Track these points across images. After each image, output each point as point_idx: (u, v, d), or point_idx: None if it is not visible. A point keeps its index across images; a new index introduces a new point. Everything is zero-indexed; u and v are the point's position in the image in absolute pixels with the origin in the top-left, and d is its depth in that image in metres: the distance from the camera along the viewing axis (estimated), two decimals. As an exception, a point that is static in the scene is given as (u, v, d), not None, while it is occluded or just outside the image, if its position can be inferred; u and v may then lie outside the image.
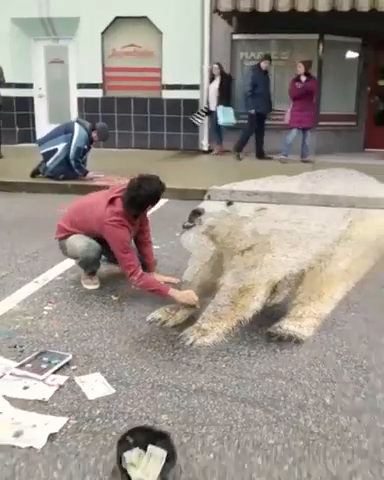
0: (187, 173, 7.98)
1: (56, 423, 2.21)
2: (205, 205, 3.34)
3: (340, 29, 9.43)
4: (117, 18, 10.09)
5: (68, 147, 6.90)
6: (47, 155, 7.06)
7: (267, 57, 9.44)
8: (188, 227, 3.30)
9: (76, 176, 7.16)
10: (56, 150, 6.96)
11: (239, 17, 9.53)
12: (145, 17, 10.02)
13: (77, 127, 6.90)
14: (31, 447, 2.06)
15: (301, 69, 9.10)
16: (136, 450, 1.92)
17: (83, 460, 2.00)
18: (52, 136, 7.06)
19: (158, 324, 3.20)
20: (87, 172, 7.20)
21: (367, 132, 11.13)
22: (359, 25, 9.04)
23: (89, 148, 7.13)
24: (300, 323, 3.15)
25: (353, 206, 4.06)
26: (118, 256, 3.38)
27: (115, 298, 3.57)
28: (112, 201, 3.45)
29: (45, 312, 3.31)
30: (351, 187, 4.28)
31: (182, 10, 9.76)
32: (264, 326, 3.12)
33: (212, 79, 9.85)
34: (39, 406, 2.33)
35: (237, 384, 2.55)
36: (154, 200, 3.42)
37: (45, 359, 2.69)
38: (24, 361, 2.67)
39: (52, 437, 2.12)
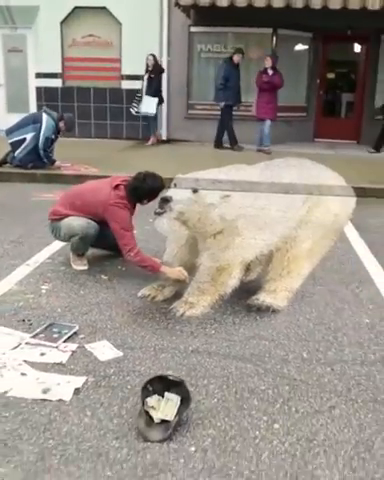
0: (151, 162, 8.26)
1: (77, 381, 2.55)
2: (173, 193, 3.53)
3: (293, 24, 9.92)
4: (76, 8, 10.21)
5: (36, 137, 7.08)
6: (15, 145, 7.21)
7: (239, 51, 9.72)
8: (160, 213, 3.50)
9: (44, 165, 7.36)
10: (24, 140, 7.12)
11: (197, 10, 9.85)
12: (104, 8, 10.18)
13: (45, 117, 7.09)
14: (60, 400, 2.40)
15: (268, 62, 9.52)
16: (155, 396, 2.30)
17: (107, 408, 2.36)
18: (20, 126, 7.20)
19: (148, 299, 3.57)
20: (55, 161, 7.41)
21: (316, 123, 11.76)
22: (310, 21, 9.58)
23: (56, 138, 7.33)
24: (275, 296, 3.58)
25: (310, 193, 4.37)
26: (119, 234, 3.72)
27: (105, 277, 3.90)
28: (117, 187, 3.83)
29: (43, 291, 3.62)
30: (306, 175, 4.61)
31: (141, 1, 9.97)
32: (243, 299, 3.53)
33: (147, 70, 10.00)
34: (58, 368, 2.67)
35: (227, 345, 2.96)
36: (153, 195, 3.80)
37: (55, 330, 3.02)
38: (36, 332, 2.99)
39: (77, 392, 2.46)
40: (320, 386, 2.58)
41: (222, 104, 9.67)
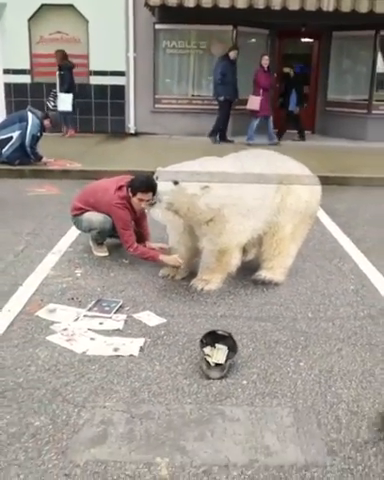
0: (130, 155, 8.91)
1: (138, 341, 3.22)
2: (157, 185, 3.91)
3: (252, 21, 10.67)
4: (43, 5, 10.60)
5: (23, 135, 7.55)
6: (2, 143, 7.65)
7: (235, 47, 10.37)
8: (151, 204, 4.02)
9: (30, 161, 7.83)
10: (11, 138, 7.58)
11: (162, 8, 10.43)
12: (71, 5, 10.62)
13: (30, 116, 7.56)
14: (131, 355, 3.06)
15: (267, 62, 10.27)
16: (208, 347, 3.01)
17: (170, 359, 3.05)
18: (6, 125, 7.66)
19: (169, 278, 4.25)
20: (41, 157, 7.89)
21: (274, 114, 12.57)
22: (269, 18, 10.35)
23: (41, 135, 7.81)
24: (273, 272, 4.31)
25: (280, 182, 4.45)
26: (119, 232, 4.38)
27: (126, 261, 4.55)
28: (120, 188, 4.42)
29: (78, 274, 4.23)
30: (274, 166, 5.03)
31: (106, -1, 10.47)
32: (248, 275, 4.25)
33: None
34: (118, 333, 3.32)
35: (247, 310, 3.70)
36: (145, 188, 4.18)
37: (104, 304, 3.66)
38: (90, 306, 3.62)
39: (141, 349, 3.14)
40: (326, 336, 3.36)
41: (222, 98, 10.27)
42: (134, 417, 2.53)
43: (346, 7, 9.70)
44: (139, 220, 4.67)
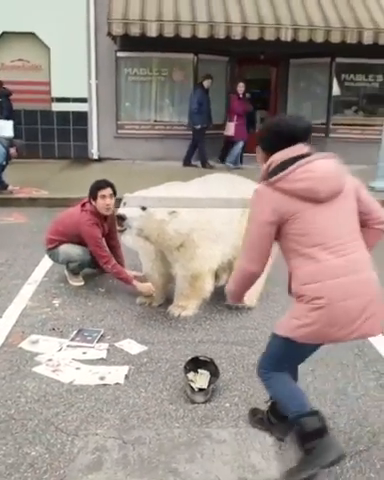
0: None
1: (123, 369, 3.39)
2: (125, 211, 3.99)
3: (213, 49, 11.12)
4: (4, 33, 10.78)
5: (-12, 163, 7.66)
6: (-32, 171, 7.73)
7: (209, 76, 10.82)
8: (121, 231, 4.09)
9: (-5, 190, 7.93)
10: (-23, 167, 7.67)
11: (123, 37, 10.76)
12: (32, 33, 10.82)
13: (-4, 144, 7.68)
14: (117, 383, 3.23)
15: (241, 88, 10.76)
16: (192, 372, 3.21)
17: (155, 385, 3.23)
18: (-29, 154, 7.73)
19: (146, 305, 4.44)
20: (7, 186, 7.99)
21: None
22: (229, 46, 10.81)
23: (7, 163, 7.93)
24: (246, 296, 4.55)
25: (245, 207, 5.06)
26: (93, 249, 4.56)
27: (102, 290, 4.72)
28: (83, 205, 4.64)
29: (56, 304, 4.38)
30: (238, 190, 5.28)
31: (68, 27, 10.68)
32: (221, 301, 4.47)
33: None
34: (102, 362, 3.49)
35: (223, 335, 3.93)
36: (99, 185, 4.55)
37: (86, 334, 3.82)
38: (72, 336, 3.78)
39: (126, 377, 3.31)
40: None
41: (198, 127, 10.69)
42: (126, 443, 2.69)
43: (303, 37, 10.25)
44: (113, 248, 4.84)
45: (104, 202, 4.54)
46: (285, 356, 2.51)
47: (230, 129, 11.00)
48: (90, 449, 2.64)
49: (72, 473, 2.48)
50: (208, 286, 4.38)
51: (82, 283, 4.82)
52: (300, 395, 2.55)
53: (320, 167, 2.33)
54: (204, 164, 10.98)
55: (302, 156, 2.35)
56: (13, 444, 2.67)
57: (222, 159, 11.40)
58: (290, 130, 2.38)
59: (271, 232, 2.35)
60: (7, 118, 10.10)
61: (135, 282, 4.41)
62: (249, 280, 2.53)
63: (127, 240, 4.32)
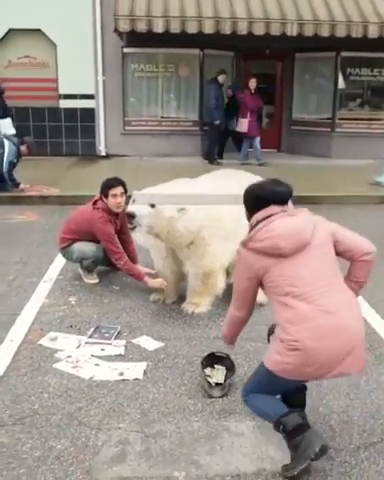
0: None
1: (141, 365, 3.50)
2: (134, 208, 4.06)
3: (218, 45, 11.17)
4: (11, 30, 10.84)
5: (0, 162, 7.75)
6: (-21, 170, 7.84)
7: (223, 71, 10.88)
8: (132, 229, 4.15)
9: (7, 188, 8.02)
10: (-12, 166, 7.78)
11: (130, 33, 10.82)
12: (38, 30, 10.89)
13: (6, 143, 7.78)
14: (136, 378, 3.34)
15: (254, 84, 10.81)
16: (208, 368, 3.32)
17: (173, 381, 3.34)
18: (-19, 153, 7.84)
19: (160, 302, 4.55)
20: (19, 184, 8.10)
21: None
22: (235, 41, 10.86)
23: (18, 161, 8.03)
24: (259, 295, 4.65)
25: None
26: (106, 246, 4.66)
27: (117, 288, 4.83)
28: (95, 203, 4.72)
29: (72, 302, 4.49)
30: (246, 186, 5.41)
31: (74, 23, 10.76)
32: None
33: None
34: (121, 358, 3.60)
35: (238, 331, 4.02)
36: (111, 184, 4.64)
37: (103, 331, 3.93)
38: (90, 333, 3.89)
39: (144, 372, 3.42)
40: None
41: (218, 122, 10.74)
42: (148, 436, 2.81)
43: (309, 31, 10.29)
44: (125, 243, 4.91)
45: (115, 201, 4.63)
46: (269, 385, 2.64)
47: (243, 125, 11.00)
48: (113, 442, 2.76)
49: (97, 465, 2.59)
50: (220, 283, 4.46)
51: (97, 281, 4.92)
52: (276, 401, 2.68)
53: (280, 225, 2.54)
54: (212, 161, 11.06)
55: (270, 216, 2.57)
56: (38, 438, 2.79)
57: (220, 155, 11.45)
58: (268, 194, 2.63)
59: (252, 285, 2.63)
60: (4, 116, 10.12)
61: (147, 278, 4.51)
62: (238, 325, 2.90)
63: (138, 238, 4.43)
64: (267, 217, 2.58)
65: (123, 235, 4.93)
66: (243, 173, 4.93)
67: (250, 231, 2.64)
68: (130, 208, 4.03)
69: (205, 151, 11.37)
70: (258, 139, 11.12)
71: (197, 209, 4.13)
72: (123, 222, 4.80)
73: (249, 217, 2.72)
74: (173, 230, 4.06)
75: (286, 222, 2.56)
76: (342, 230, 2.72)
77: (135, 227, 4.06)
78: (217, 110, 10.78)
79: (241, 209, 4.67)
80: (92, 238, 4.75)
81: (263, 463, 2.61)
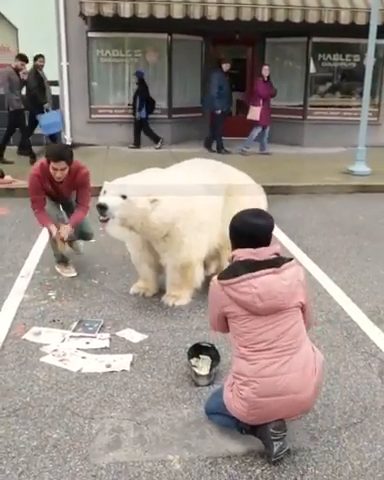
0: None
1: (127, 357, 3.74)
2: (105, 200, 4.10)
3: (187, 29, 11.37)
4: (-32, 13, 10.82)
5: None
6: None
7: (227, 59, 11.17)
8: (104, 221, 4.20)
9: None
10: None
11: (95, 17, 10.91)
12: (-2, 13, 10.90)
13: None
14: (123, 370, 3.59)
15: (266, 72, 11.04)
16: (194, 358, 3.59)
17: (159, 371, 3.60)
18: None
19: (140, 295, 4.78)
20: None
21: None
22: (203, 26, 11.07)
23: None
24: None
25: (228, 194, 4.80)
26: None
27: (95, 281, 5.05)
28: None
29: (52, 297, 4.69)
30: (221, 175, 4.92)
31: (36, 6, 10.87)
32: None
33: None
34: (106, 351, 3.83)
35: (219, 322, 4.30)
36: (52, 157, 4.65)
37: (87, 325, 4.15)
38: (73, 327, 4.10)
39: (131, 364, 3.66)
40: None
41: (219, 111, 11.02)
42: (140, 424, 3.06)
43: (280, 17, 10.60)
44: (76, 208, 5.11)
45: (54, 173, 4.74)
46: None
47: (255, 113, 11.26)
48: (107, 430, 3.00)
49: (94, 452, 2.83)
50: (199, 275, 4.68)
51: (74, 274, 5.13)
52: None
53: (264, 284, 2.66)
54: (220, 150, 11.40)
55: (255, 264, 2.69)
56: (34, 428, 3.01)
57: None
58: (249, 228, 2.76)
59: (221, 318, 2.83)
60: None
61: (50, 226, 4.86)
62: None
63: (112, 229, 4.44)
64: (253, 264, 2.67)
65: (78, 198, 5.08)
66: (214, 162, 5.04)
67: (228, 268, 2.79)
68: (101, 199, 4.10)
69: (207, 140, 11.64)
70: (267, 129, 11.46)
71: (170, 200, 4.20)
72: (79, 187, 4.99)
73: (232, 247, 2.85)
74: (147, 222, 4.15)
75: (270, 281, 2.66)
76: (310, 304, 2.92)
77: (108, 219, 4.12)
78: (219, 99, 11.10)
79: (215, 199, 4.75)
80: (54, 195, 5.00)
81: (252, 445, 2.89)
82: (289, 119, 12.60)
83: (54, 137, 10.72)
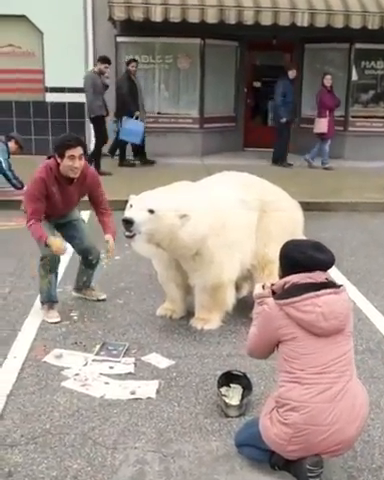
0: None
1: (153, 383, 3.80)
2: (132, 214, 4.10)
3: (222, 34, 11.53)
4: (-7, 16, 11.16)
5: (-3, 163, 8.01)
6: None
7: (294, 66, 11.39)
8: (130, 237, 4.21)
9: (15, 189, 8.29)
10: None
11: (124, 21, 11.15)
12: (23, 16, 11.21)
13: (-6, 141, 8.06)
14: (149, 397, 3.64)
15: (329, 81, 11.20)
16: (224, 387, 3.62)
17: (187, 400, 3.64)
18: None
19: (167, 317, 4.84)
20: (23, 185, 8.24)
21: (245, 132, 13.47)
22: (239, 31, 11.22)
23: (8, 157, 8.29)
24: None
25: (263, 210, 4.82)
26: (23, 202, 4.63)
27: (120, 302, 5.14)
28: (49, 157, 4.64)
29: (75, 317, 4.79)
30: (255, 191, 4.93)
31: (63, 9, 11.06)
32: (246, 311, 4.86)
33: None
34: (131, 376, 3.90)
35: (251, 349, 4.33)
36: (68, 143, 4.44)
37: (110, 348, 4.23)
38: (96, 351, 4.18)
39: (157, 391, 3.71)
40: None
41: (283, 120, 11.22)
42: (166, 456, 3.10)
43: (321, 22, 10.68)
44: (99, 215, 4.94)
45: (72, 164, 4.47)
46: (262, 443, 2.90)
47: (322, 126, 11.37)
48: (131, 462, 3.05)
49: (117, 484, 2.89)
50: (230, 298, 4.72)
51: (57, 320, 4.69)
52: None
53: (327, 303, 2.74)
54: (282, 162, 11.59)
55: (316, 285, 2.77)
56: (54, 458, 3.07)
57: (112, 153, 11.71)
58: (307, 260, 2.81)
59: (271, 342, 2.89)
60: None
61: (49, 239, 4.46)
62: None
63: (139, 246, 4.42)
64: (311, 285, 2.76)
65: (97, 205, 4.92)
66: (246, 175, 5.05)
67: (284, 290, 2.82)
68: (127, 214, 4.10)
69: (277, 152, 11.82)
70: (329, 141, 11.57)
71: (200, 216, 4.20)
72: (92, 189, 4.81)
73: (281, 275, 2.92)
74: (175, 238, 4.16)
75: (333, 301, 2.76)
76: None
77: (134, 235, 4.13)
78: (284, 107, 11.26)
79: (249, 216, 4.74)
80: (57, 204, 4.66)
81: (285, 482, 2.91)
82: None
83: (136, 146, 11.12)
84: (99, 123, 10.38)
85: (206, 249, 4.40)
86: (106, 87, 10.37)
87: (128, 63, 10.85)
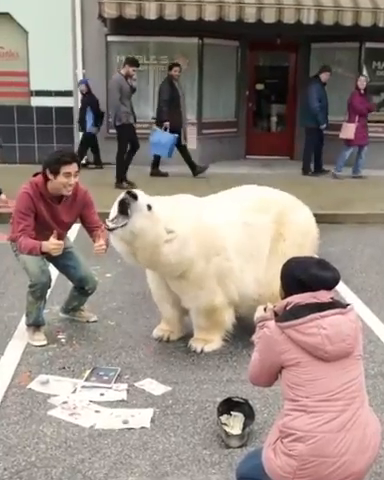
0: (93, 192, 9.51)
1: (147, 412, 3.83)
2: (138, 192, 4.00)
3: (221, 33, 11.67)
4: (-26, 15, 11.31)
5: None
6: None
7: (327, 68, 11.50)
8: (111, 229, 4.05)
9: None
10: None
11: (116, 19, 11.29)
12: (7, 13, 11.36)
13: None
14: (143, 427, 3.67)
15: (363, 84, 11.27)
16: (225, 415, 3.65)
17: (184, 429, 3.67)
18: None
19: (164, 339, 4.87)
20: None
21: (247, 138, 13.57)
22: (239, 30, 11.36)
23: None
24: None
25: (279, 233, 4.77)
26: (12, 219, 4.66)
27: (112, 323, 5.17)
28: (35, 175, 4.71)
29: (63, 340, 4.82)
30: (273, 211, 4.77)
31: (49, 7, 11.26)
32: (247, 332, 4.91)
33: None
34: (123, 404, 3.92)
35: (254, 374, 4.36)
36: (66, 159, 4.47)
37: (101, 373, 4.26)
38: (86, 376, 4.21)
39: (152, 420, 3.74)
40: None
41: (324, 126, 11.43)
42: (162, 490, 3.13)
43: (329, 20, 10.83)
44: (90, 232, 4.91)
45: (67, 181, 4.51)
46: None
47: (349, 131, 11.43)
48: (124, 497, 3.08)
49: None
50: (228, 318, 4.75)
51: (44, 343, 4.74)
52: None
53: (332, 325, 2.75)
54: (307, 171, 11.85)
55: (320, 305, 2.79)
56: (39, 493, 3.10)
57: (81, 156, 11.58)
58: (311, 279, 2.83)
59: (274, 368, 2.87)
60: None
61: (42, 244, 4.45)
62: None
63: (116, 243, 4.30)
64: (315, 305, 2.77)
65: (88, 223, 4.93)
66: (266, 190, 5.05)
67: (286, 311, 2.82)
68: (135, 192, 4.09)
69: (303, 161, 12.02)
70: (365, 149, 11.67)
71: (189, 236, 4.22)
72: (84, 208, 4.86)
73: (283, 295, 2.93)
74: (158, 253, 4.12)
75: (340, 322, 2.76)
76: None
77: (117, 228, 4.02)
78: (322, 113, 11.45)
79: (251, 241, 4.66)
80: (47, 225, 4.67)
81: None
82: (337, 136, 12.69)
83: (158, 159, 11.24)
84: (125, 132, 10.19)
85: (194, 274, 4.41)
86: (133, 90, 10.38)
87: (170, 67, 10.91)
